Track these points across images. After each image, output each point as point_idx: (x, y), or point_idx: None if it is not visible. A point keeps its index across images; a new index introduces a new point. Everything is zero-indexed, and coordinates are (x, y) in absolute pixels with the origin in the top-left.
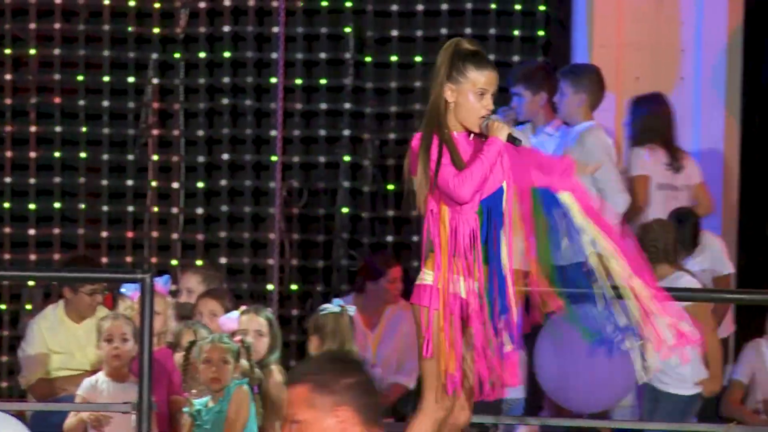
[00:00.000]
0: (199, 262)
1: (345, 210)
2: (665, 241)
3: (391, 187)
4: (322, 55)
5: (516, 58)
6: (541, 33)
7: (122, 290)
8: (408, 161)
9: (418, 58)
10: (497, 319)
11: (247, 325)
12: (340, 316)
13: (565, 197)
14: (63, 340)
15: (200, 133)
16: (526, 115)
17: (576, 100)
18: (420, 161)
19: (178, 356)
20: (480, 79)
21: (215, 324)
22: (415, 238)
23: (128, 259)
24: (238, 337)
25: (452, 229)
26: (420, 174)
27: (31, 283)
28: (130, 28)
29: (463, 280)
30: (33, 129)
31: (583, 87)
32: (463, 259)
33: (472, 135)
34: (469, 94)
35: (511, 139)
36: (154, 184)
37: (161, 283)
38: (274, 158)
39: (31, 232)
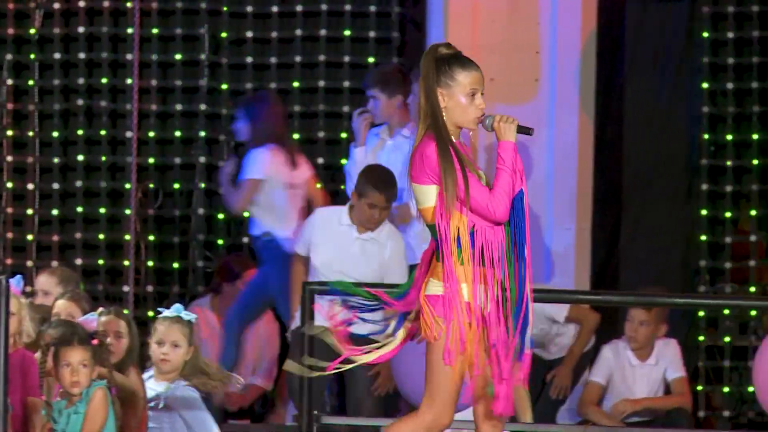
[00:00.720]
0: (54, 264)
1: (201, 211)
2: None
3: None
4: (178, 57)
5: (371, 60)
6: (396, 34)
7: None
8: (412, 168)
9: (273, 59)
10: (517, 330)
11: (106, 326)
12: (173, 322)
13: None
14: None
15: (55, 134)
16: (382, 118)
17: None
18: (443, 173)
19: (38, 356)
20: (469, 81)
21: None
22: None
23: None
24: (95, 340)
25: (478, 242)
26: (431, 185)
27: None
28: None
29: (482, 289)
30: None
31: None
32: (486, 268)
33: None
34: (461, 96)
35: (523, 131)
36: (9, 185)
37: (14, 283)
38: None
39: None
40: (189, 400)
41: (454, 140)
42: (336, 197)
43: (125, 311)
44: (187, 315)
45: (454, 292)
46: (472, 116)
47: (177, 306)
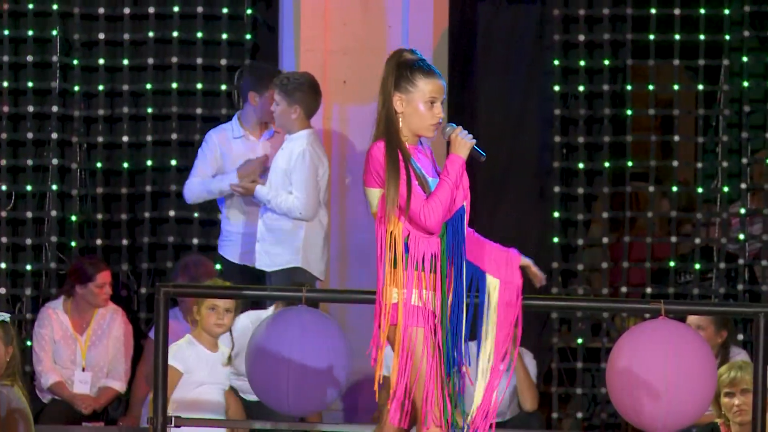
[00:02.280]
0: None
1: (54, 213)
2: None
3: (100, 190)
4: (29, 58)
5: (224, 62)
6: (248, 37)
7: None
8: (364, 170)
9: (125, 62)
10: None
11: None
12: None
13: (492, 284)
14: None
15: None
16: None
17: (290, 110)
18: (386, 178)
19: None
20: (429, 88)
21: None
22: (125, 242)
23: None
24: None
25: (412, 250)
26: (378, 188)
27: None
28: None
29: (433, 295)
30: None
31: (296, 99)
32: (426, 273)
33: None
34: (419, 103)
35: (476, 154)
36: None
37: None
38: None
39: None
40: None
41: (407, 146)
42: None
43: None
44: (2, 316)
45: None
46: (428, 123)
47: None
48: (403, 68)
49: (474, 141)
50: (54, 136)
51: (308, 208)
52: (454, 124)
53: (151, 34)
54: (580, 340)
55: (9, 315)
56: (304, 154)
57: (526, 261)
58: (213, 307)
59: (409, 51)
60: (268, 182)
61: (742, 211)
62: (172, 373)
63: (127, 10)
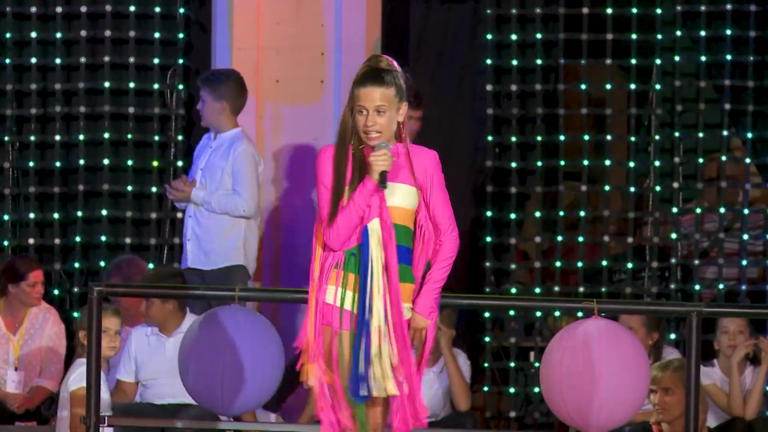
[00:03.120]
0: None
1: None
2: None
3: (32, 189)
4: None
5: (156, 61)
6: (181, 36)
7: None
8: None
9: (57, 61)
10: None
11: None
12: None
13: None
14: None
15: None
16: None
17: (217, 107)
18: (317, 184)
19: None
20: (358, 97)
21: None
22: (57, 241)
23: None
24: None
25: (327, 255)
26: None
27: None
28: None
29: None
30: None
31: (222, 93)
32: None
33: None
34: (354, 112)
35: (380, 182)
36: None
37: None
38: None
39: None
40: None
41: (364, 149)
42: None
43: None
44: None
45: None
46: (361, 131)
47: None
48: (356, 76)
49: (383, 167)
50: None
51: (252, 206)
52: (384, 144)
53: (83, 33)
54: (513, 340)
55: None
56: (245, 153)
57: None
58: (105, 330)
59: (374, 58)
60: (200, 183)
61: (675, 210)
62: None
63: (59, 9)
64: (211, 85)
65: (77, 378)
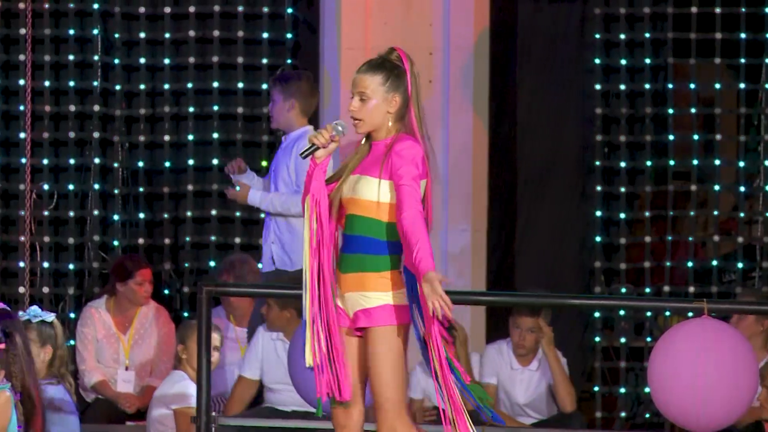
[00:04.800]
0: None
1: (96, 213)
2: None
3: (141, 189)
4: (70, 57)
5: (264, 61)
6: (289, 36)
7: None
8: None
9: (166, 61)
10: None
11: None
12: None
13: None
14: None
15: None
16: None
17: (286, 106)
18: None
19: None
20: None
21: None
22: (167, 241)
23: None
24: (2, 344)
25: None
26: None
27: None
28: None
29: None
30: None
31: (292, 92)
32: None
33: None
34: None
35: (305, 149)
36: None
37: None
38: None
39: None
40: (58, 402)
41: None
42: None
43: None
44: (42, 316)
45: None
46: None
47: (34, 308)
48: None
49: (314, 140)
50: (96, 135)
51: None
52: (341, 125)
53: (191, 33)
54: (623, 339)
55: (54, 315)
56: None
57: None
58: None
59: (389, 49)
60: (272, 183)
61: None
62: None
63: (167, 9)
64: (282, 85)
65: (178, 397)
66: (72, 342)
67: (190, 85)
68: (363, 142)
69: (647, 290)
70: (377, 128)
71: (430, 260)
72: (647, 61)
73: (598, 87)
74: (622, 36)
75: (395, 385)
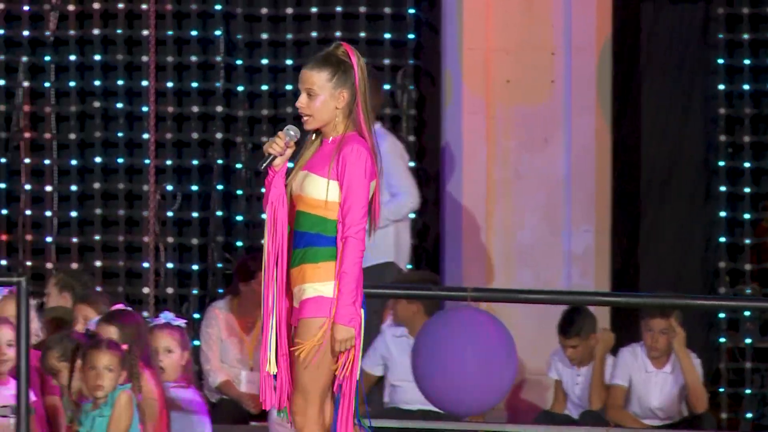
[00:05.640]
0: (74, 265)
1: (219, 213)
2: None
3: (263, 190)
4: (193, 59)
5: (387, 62)
6: (411, 36)
7: None
8: None
9: (288, 62)
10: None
11: (100, 333)
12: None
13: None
14: None
15: (72, 136)
16: None
17: None
18: None
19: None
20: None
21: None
22: None
23: (2, 262)
24: (125, 345)
25: None
26: None
27: None
28: (0, 31)
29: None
30: None
31: None
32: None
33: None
34: None
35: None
36: (27, 187)
37: None
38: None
39: None
40: (193, 404)
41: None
42: None
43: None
44: (176, 321)
45: None
46: None
47: (166, 313)
48: None
49: (269, 149)
50: (218, 136)
51: (417, 199)
52: (292, 129)
53: (314, 34)
54: (748, 340)
55: (184, 321)
56: (392, 149)
57: None
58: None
59: (335, 45)
60: None
61: None
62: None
63: (290, 11)
64: None
65: None
66: (196, 342)
67: None
68: (314, 137)
69: None
70: (326, 123)
71: (348, 295)
72: None
73: (721, 87)
74: (746, 36)
75: (314, 376)
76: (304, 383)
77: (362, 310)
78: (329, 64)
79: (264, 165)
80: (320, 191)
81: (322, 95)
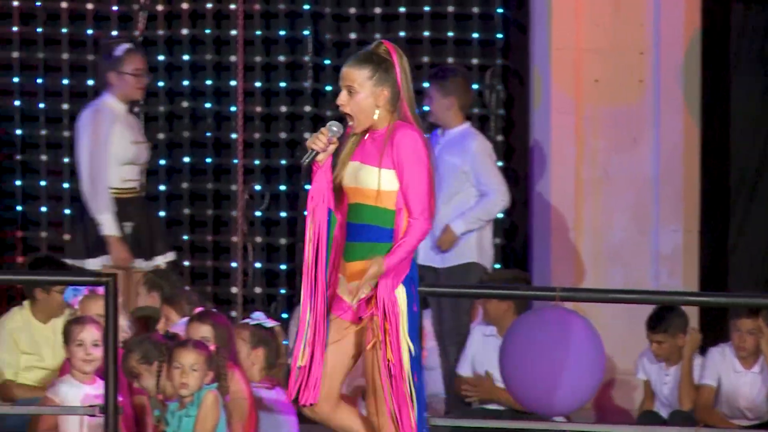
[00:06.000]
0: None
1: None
2: None
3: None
4: (281, 59)
5: (475, 61)
6: (499, 36)
7: (65, 296)
8: None
9: None
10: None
11: (191, 332)
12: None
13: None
14: (31, 339)
15: (160, 136)
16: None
17: (445, 103)
18: None
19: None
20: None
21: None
22: None
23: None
24: (212, 345)
25: None
26: None
27: None
28: (89, 31)
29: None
30: None
31: (450, 90)
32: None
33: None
34: None
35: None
36: None
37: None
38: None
39: None
40: (279, 404)
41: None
42: None
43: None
44: (268, 322)
45: None
46: None
47: (257, 313)
48: None
49: (312, 145)
50: (307, 136)
51: (506, 198)
52: (335, 125)
53: (402, 33)
54: None
55: (277, 324)
56: (482, 148)
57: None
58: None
59: (377, 43)
60: (448, 196)
61: None
62: None
63: (378, 10)
64: (439, 82)
65: None
66: (287, 342)
67: None
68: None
69: None
70: (368, 122)
71: (395, 258)
72: None
73: None
74: None
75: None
76: (377, 385)
77: (407, 288)
78: (370, 61)
79: (307, 161)
80: (374, 181)
81: (362, 92)
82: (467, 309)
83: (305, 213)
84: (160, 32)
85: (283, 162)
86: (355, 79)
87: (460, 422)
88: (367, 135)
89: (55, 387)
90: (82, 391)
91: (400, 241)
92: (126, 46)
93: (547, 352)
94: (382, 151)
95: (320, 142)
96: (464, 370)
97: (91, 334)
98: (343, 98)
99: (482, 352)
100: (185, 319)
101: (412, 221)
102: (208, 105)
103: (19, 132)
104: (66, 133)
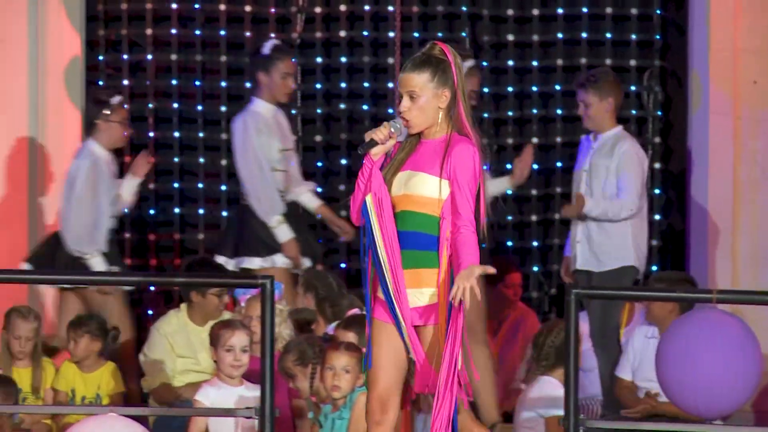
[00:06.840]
0: (319, 267)
1: None
2: None
3: (509, 192)
4: None
5: (633, 63)
6: (658, 37)
7: (234, 292)
8: None
9: (534, 63)
10: None
11: (339, 336)
12: None
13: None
14: (187, 343)
15: (318, 138)
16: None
17: (605, 106)
18: None
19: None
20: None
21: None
22: (535, 244)
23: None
24: (364, 348)
25: None
26: None
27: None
28: (247, 34)
29: None
30: (151, 134)
31: (608, 92)
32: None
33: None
34: None
35: (361, 145)
36: None
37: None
38: None
39: (151, 237)
40: None
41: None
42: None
43: None
44: None
45: None
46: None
47: None
48: None
49: (373, 135)
50: None
51: (636, 205)
52: (398, 122)
53: (559, 35)
54: None
55: None
56: (631, 151)
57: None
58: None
59: (431, 45)
60: (585, 185)
61: None
62: None
63: (536, 12)
64: (595, 86)
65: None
66: None
67: (558, 87)
68: (408, 138)
69: None
70: (430, 125)
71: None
72: None
73: None
74: None
75: None
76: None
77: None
78: (428, 64)
79: (363, 150)
80: (433, 189)
81: (424, 96)
82: (618, 312)
83: (366, 209)
84: (318, 34)
85: None
86: (416, 84)
87: (616, 425)
88: (419, 145)
89: (203, 390)
90: (230, 394)
91: (467, 248)
92: (274, 42)
93: (703, 354)
94: (442, 161)
95: (381, 134)
96: (624, 373)
97: (240, 339)
98: (405, 104)
99: (644, 353)
100: (332, 324)
101: (464, 230)
102: (365, 107)
103: (177, 134)
104: (223, 136)
